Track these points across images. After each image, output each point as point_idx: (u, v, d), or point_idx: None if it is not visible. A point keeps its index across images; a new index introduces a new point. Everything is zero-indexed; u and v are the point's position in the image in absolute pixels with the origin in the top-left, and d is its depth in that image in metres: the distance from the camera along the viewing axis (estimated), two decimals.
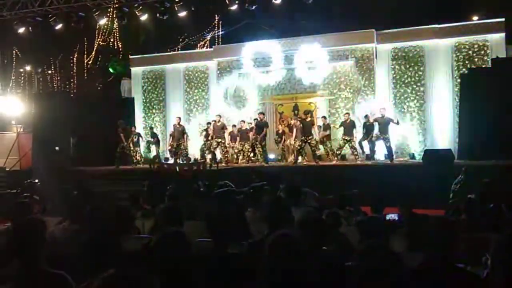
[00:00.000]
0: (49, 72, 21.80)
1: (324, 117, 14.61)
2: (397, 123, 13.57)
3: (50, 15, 15.65)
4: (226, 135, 15.28)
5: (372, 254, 2.36)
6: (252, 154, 14.26)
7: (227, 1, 14.37)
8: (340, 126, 14.03)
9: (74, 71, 20.91)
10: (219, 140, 14.79)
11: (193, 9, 14.95)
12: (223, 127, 14.92)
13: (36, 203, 6.83)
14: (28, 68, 22.03)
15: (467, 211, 5.50)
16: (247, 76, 16.72)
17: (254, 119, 14.77)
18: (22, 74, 22.17)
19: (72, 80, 21.26)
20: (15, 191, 9.31)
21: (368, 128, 13.76)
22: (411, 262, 2.89)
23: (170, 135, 16.05)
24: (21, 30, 16.10)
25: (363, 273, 2.26)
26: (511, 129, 11.57)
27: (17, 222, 3.18)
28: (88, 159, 15.25)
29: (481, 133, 12.15)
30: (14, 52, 20.37)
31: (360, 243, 3.36)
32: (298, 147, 13.71)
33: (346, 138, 13.77)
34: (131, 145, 15.37)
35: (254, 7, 14.43)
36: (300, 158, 13.91)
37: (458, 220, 5.26)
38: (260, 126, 14.25)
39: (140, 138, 16.14)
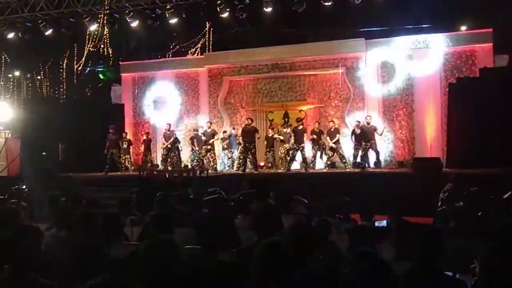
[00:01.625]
0: (38, 77, 21.63)
1: (318, 123, 14.55)
2: (380, 134, 13.72)
3: (40, 21, 15.57)
4: (216, 142, 15.26)
5: (362, 262, 2.37)
6: (242, 161, 14.21)
7: (218, 8, 14.40)
8: (327, 134, 14.09)
9: (64, 76, 20.77)
10: (209, 147, 14.77)
11: (184, 16, 14.96)
12: (213, 134, 14.91)
13: (24, 209, 6.76)
14: (17, 73, 21.86)
15: (455, 219, 5.53)
16: (237, 83, 16.77)
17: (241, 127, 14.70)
18: (11, 80, 21.98)
19: (61, 85, 21.10)
20: (2, 197, 9.18)
21: (357, 135, 13.83)
22: (400, 270, 2.90)
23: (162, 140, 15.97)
24: (11, 35, 16.00)
25: (353, 280, 2.27)
26: (498, 138, 11.68)
27: (14, 229, 3.14)
28: (77, 165, 15.13)
29: (469, 141, 12.26)
30: (3, 57, 20.20)
31: (350, 251, 3.37)
32: (291, 155, 13.76)
33: (333, 146, 13.86)
34: (121, 150, 15.33)
35: (245, 15, 14.48)
36: (291, 164, 13.95)
37: (446, 228, 5.30)
38: (248, 132, 14.15)
39: (131, 145, 16.08)
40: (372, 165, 13.92)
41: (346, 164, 13.97)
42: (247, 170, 13.99)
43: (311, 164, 13.92)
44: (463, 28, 16.06)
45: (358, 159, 13.90)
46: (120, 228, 4.40)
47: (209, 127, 15.01)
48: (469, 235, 4.73)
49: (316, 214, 5.43)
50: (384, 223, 5.15)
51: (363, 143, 13.56)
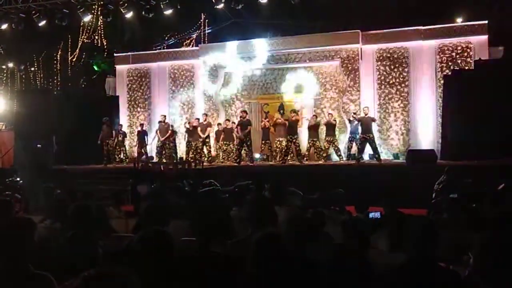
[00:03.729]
0: (32, 69, 21.51)
1: (315, 116, 14.48)
2: (374, 120, 13.57)
3: (33, 11, 15.44)
4: (212, 134, 15.23)
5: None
6: (237, 153, 14.19)
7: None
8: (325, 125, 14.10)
9: (58, 68, 20.66)
10: (205, 139, 14.74)
11: (179, 7, 14.87)
12: (208, 126, 14.87)
13: (18, 202, 6.75)
14: (10, 65, 21.72)
15: (449, 211, 5.55)
16: (233, 75, 16.72)
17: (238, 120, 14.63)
18: (5, 71, 21.85)
19: (55, 77, 21.01)
20: None
21: (353, 126, 13.78)
22: (394, 261, 2.91)
23: (156, 133, 15.93)
24: (4, 26, 15.87)
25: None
26: (492, 130, 11.73)
27: (6, 221, 3.13)
28: (71, 158, 15.09)
29: (463, 134, 12.30)
30: None
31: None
32: (285, 147, 13.74)
33: (328, 138, 13.88)
34: (117, 142, 15.32)
35: (240, 6, 14.41)
36: (288, 157, 13.94)
37: (440, 219, 5.32)
38: (244, 124, 14.09)
39: (125, 137, 16.04)
40: (367, 157, 13.92)
41: (341, 156, 13.99)
42: (242, 162, 13.99)
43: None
44: (459, 20, 16.06)
45: (353, 151, 13.91)
46: (106, 220, 4.36)
47: (205, 120, 14.98)
48: (463, 227, 4.75)
49: (311, 206, 5.44)
50: (378, 214, 5.17)
51: (360, 136, 13.39)
